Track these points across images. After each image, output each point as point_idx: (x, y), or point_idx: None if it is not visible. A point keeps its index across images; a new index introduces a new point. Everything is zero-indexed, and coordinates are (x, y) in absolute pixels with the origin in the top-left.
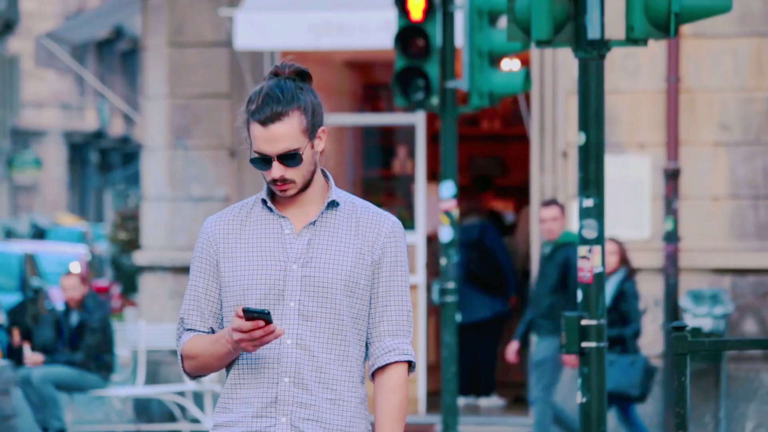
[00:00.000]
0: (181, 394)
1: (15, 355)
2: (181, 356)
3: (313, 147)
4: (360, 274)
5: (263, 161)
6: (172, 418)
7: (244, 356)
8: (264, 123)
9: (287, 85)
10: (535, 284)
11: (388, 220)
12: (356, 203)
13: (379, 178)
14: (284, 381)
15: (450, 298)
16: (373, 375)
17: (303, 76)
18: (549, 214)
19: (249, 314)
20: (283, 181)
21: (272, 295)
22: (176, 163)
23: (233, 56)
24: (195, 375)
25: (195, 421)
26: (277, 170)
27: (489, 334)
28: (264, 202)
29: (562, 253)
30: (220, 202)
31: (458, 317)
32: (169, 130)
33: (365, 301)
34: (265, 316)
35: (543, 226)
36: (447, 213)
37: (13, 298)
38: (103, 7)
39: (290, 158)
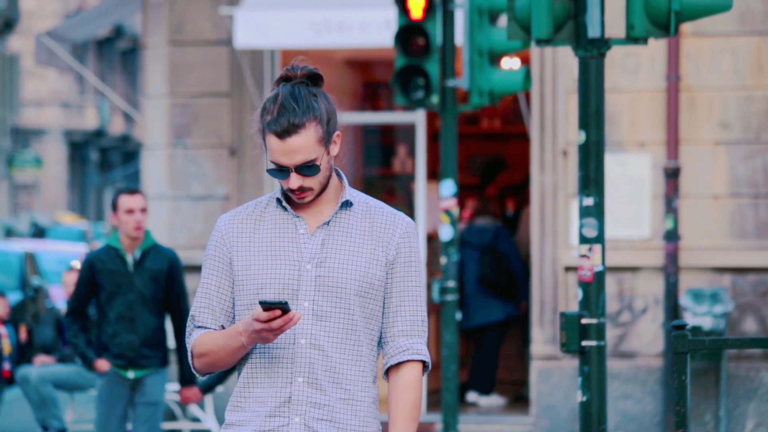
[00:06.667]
0: None
1: (20, 352)
2: (192, 353)
3: (329, 153)
4: (374, 275)
5: (280, 171)
6: (172, 416)
7: (257, 355)
8: (281, 136)
9: (301, 93)
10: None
11: (402, 220)
12: (370, 203)
13: (379, 176)
14: (298, 381)
15: (450, 297)
16: (387, 373)
17: (315, 78)
18: (138, 204)
19: (266, 305)
20: (302, 190)
21: (286, 294)
22: (176, 161)
23: (233, 55)
24: (205, 372)
25: (195, 420)
26: (295, 181)
27: (494, 333)
28: (279, 201)
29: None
30: (221, 200)
31: (458, 316)
32: (169, 129)
33: (378, 302)
34: (282, 306)
35: (130, 217)
36: (447, 212)
37: (14, 297)
38: (103, 6)
39: (308, 169)
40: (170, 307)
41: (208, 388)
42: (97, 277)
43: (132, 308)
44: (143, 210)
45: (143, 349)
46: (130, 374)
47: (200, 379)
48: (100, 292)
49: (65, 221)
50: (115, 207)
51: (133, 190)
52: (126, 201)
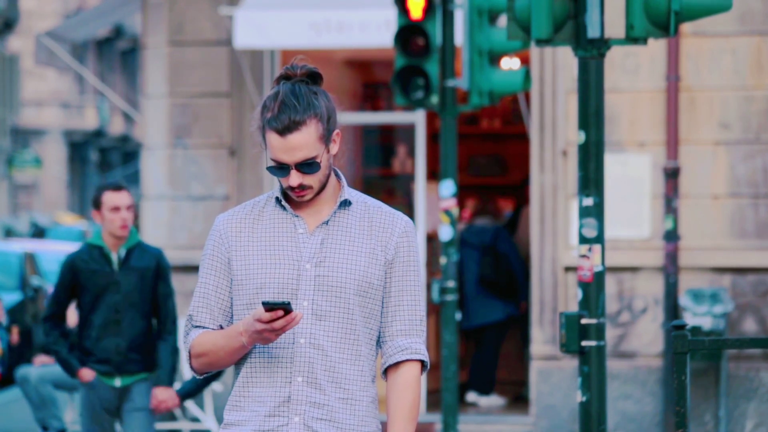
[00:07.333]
0: None
1: (14, 353)
2: (189, 353)
3: (329, 151)
4: (373, 274)
5: (280, 169)
6: (172, 417)
7: (256, 354)
8: (281, 132)
9: (302, 91)
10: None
11: (401, 219)
12: (368, 203)
13: (379, 177)
14: (297, 380)
15: (450, 297)
16: (386, 373)
17: (314, 77)
18: (125, 201)
19: (268, 306)
20: (301, 187)
21: (286, 294)
22: (176, 161)
23: (233, 55)
24: (203, 372)
25: (195, 420)
26: (295, 178)
27: (493, 333)
28: (278, 200)
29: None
30: (220, 200)
31: (458, 316)
32: (169, 129)
33: (377, 301)
34: (285, 306)
35: (115, 215)
36: (447, 212)
37: (13, 297)
38: (102, 6)
39: (308, 166)
40: (156, 306)
41: (186, 395)
42: (79, 278)
43: (118, 310)
44: (129, 207)
45: (130, 353)
46: (117, 382)
47: (177, 385)
48: (83, 294)
49: (65, 221)
50: (98, 204)
51: (118, 186)
52: (111, 198)
